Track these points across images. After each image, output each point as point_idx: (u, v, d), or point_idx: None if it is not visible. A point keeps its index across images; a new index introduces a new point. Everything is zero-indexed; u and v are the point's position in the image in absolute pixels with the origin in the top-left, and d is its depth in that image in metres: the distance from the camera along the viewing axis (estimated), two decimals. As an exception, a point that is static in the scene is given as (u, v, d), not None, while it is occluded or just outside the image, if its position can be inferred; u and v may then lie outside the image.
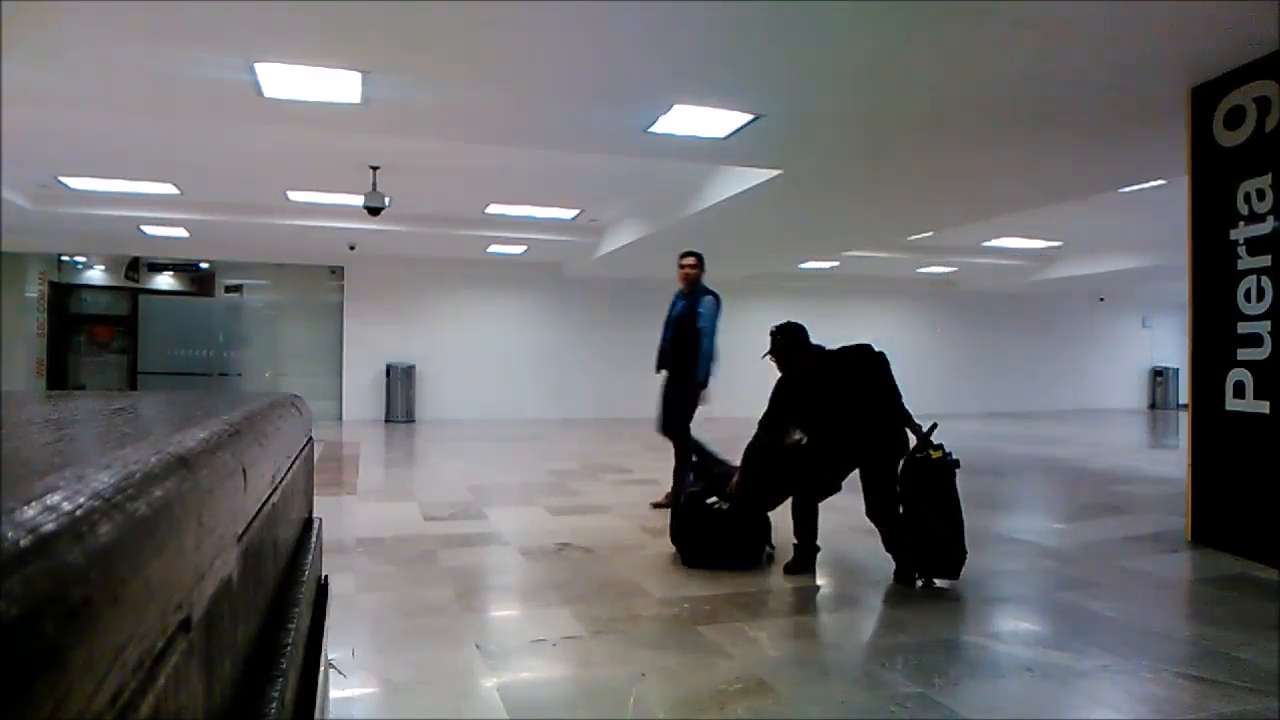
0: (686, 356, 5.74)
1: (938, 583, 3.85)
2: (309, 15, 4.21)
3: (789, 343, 4.27)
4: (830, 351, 4.20)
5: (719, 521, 4.28)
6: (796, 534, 4.15)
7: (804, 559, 4.13)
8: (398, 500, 6.27)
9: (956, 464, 3.82)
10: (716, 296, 5.82)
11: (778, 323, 4.37)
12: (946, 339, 16.91)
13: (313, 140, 7.01)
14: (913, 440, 3.91)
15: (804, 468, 4.14)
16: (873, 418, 3.99)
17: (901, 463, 3.88)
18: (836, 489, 4.13)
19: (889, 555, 3.99)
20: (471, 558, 4.53)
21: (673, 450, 5.83)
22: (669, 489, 5.88)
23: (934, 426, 3.92)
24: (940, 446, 3.85)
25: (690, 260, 5.91)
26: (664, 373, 5.89)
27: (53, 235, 11.26)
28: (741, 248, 11.45)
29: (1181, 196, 5.01)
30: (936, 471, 3.79)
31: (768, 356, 4.32)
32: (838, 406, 4.05)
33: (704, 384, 5.73)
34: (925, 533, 3.82)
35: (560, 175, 8.54)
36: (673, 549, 4.46)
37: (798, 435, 4.18)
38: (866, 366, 4.08)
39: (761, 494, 4.33)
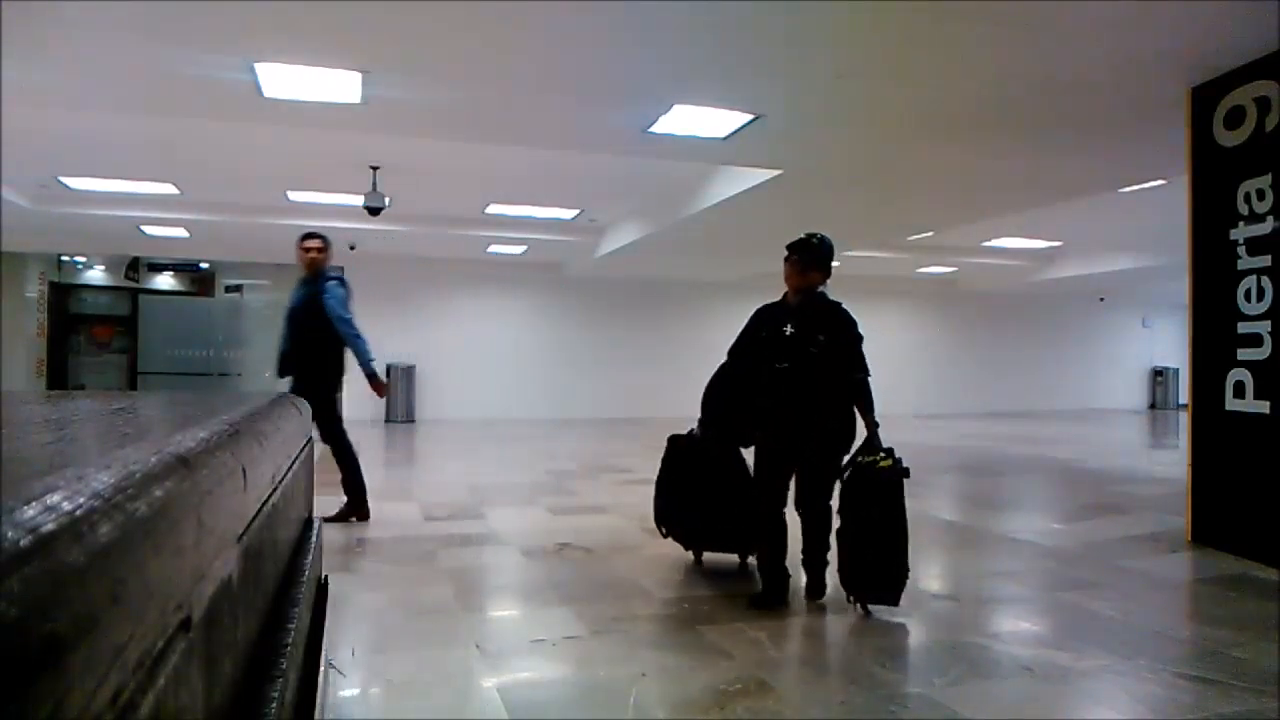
0: (314, 354, 5.08)
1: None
2: (309, 15, 4.21)
3: (822, 255, 3.65)
4: (830, 300, 3.65)
5: (708, 501, 3.96)
6: (760, 558, 3.59)
7: (773, 591, 3.49)
8: (398, 500, 6.26)
9: (906, 473, 3.35)
10: (342, 281, 5.21)
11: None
12: (946, 339, 16.90)
13: (313, 140, 7.01)
14: (863, 434, 3.46)
15: (760, 432, 3.61)
16: (830, 386, 3.48)
17: (846, 472, 3.41)
18: (796, 460, 3.52)
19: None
20: (471, 558, 4.53)
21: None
22: (344, 502, 5.18)
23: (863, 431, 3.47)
24: (890, 452, 3.38)
25: (316, 243, 5.22)
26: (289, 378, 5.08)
27: (53, 235, 11.25)
28: (742, 248, 11.44)
29: (1181, 196, 5.02)
30: (883, 483, 3.33)
31: (788, 254, 3.71)
32: (806, 357, 3.49)
33: (371, 371, 5.26)
34: (863, 550, 3.36)
35: (560, 175, 8.53)
36: (673, 549, 4.45)
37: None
38: (842, 327, 3.55)
39: (733, 420, 3.73)
